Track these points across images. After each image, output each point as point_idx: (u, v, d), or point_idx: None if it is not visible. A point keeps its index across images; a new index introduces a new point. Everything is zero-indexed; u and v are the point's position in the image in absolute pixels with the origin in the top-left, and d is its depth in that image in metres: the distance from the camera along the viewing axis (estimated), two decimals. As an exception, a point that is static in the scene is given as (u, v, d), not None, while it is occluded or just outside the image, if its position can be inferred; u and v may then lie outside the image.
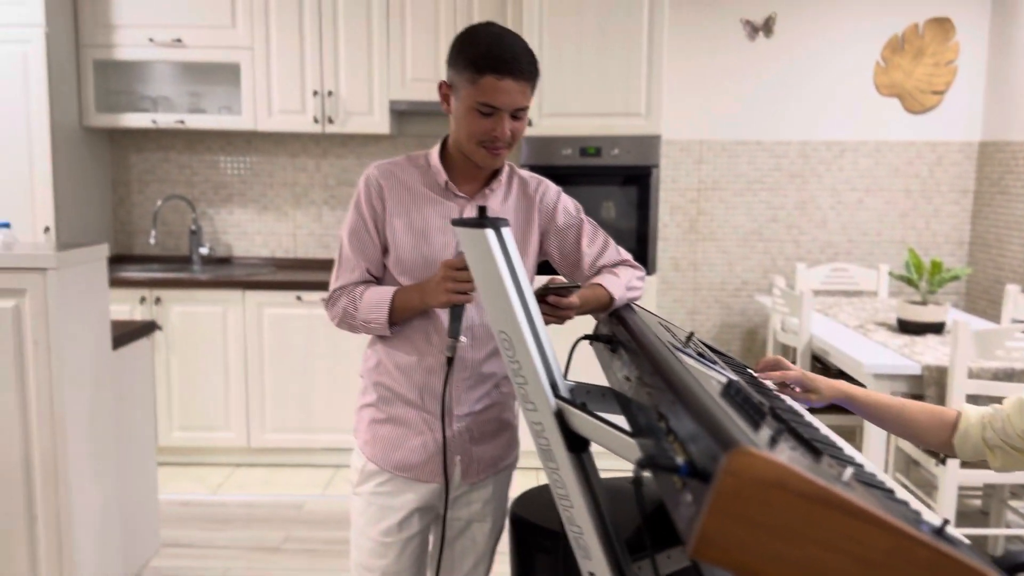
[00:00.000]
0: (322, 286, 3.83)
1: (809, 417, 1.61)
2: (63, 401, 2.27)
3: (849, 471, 0.94)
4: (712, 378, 1.30)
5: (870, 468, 1.29)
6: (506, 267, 1.29)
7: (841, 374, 3.79)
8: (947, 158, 4.40)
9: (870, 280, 4.33)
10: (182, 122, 4.01)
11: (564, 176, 3.95)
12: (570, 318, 1.57)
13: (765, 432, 0.98)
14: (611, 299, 1.69)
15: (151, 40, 3.93)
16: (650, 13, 3.81)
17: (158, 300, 3.82)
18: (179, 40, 3.93)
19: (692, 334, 1.69)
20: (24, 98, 3.71)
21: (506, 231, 1.32)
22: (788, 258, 4.45)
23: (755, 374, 1.71)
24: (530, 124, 3.88)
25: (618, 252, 1.85)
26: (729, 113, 4.36)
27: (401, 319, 1.71)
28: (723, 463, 0.81)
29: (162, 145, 4.36)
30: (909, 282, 3.45)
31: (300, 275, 4.06)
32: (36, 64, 3.68)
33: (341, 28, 3.96)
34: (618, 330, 1.60)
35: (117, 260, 4.33)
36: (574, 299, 1.55)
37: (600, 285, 1.70)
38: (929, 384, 2.91)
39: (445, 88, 1.71)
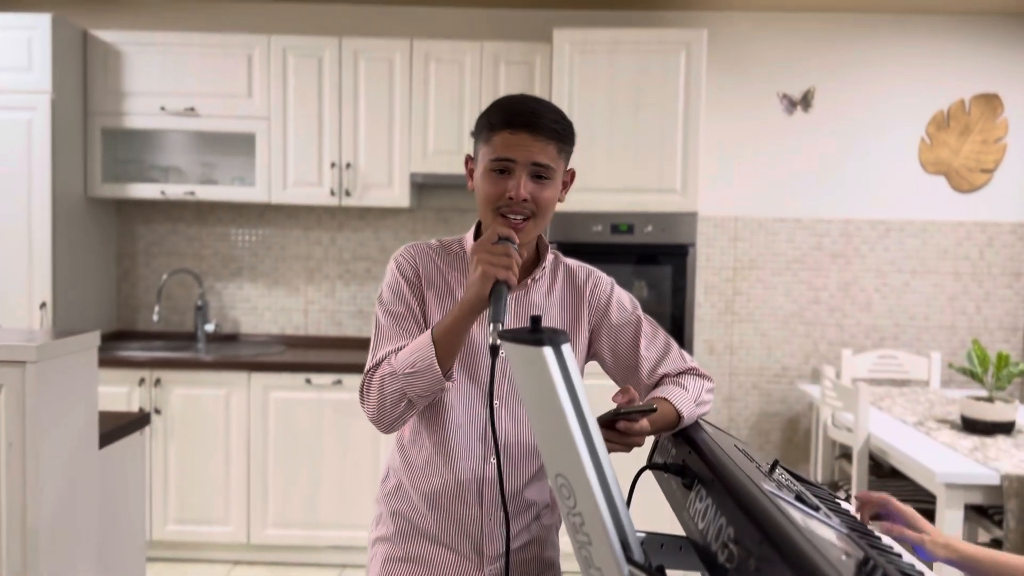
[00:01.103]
0: (333, 368, 3.57)
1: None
2: (39, 512, 1.99)
3: None
4: (828, 540, 1.03)
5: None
6: (568, 397, 1.03)
7: (893, 472, 3.48)
8: (998, 239, 4.14)
9: (920, 368, 4.04)
10: (192, 193, 3.82)
11: (594, 254, 3.71)
12: (639, 446, 1.30)
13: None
14: (679, 418, 1.43)
15: (163, 108, 3.76)
16: (686, 85, 3.62)
17: (158, 382, 3.56)
18: (192, 109, 3.76)
19: (776, 462, 1.41)
20: (26, 167, 3.52)
21: (566, 348, 1.06)
22: (831, 343, 4.16)
23: (854, 512, 1.42)
24: (559, 200, 3.66)
25: (682, 357, 1.58)
26: (766, 189, 4.13)
27: (449, 350, 1.39)
28: None
29: (171, 217, 4.16)
30: (973, 376, 3.16)
31: (310, 355, 3.80)
32: (40, 132, 3.51)
33: (362, 98, 3.79)
34: (691, 460, 1.33)
35: (119, 337, 4.09)
36: (645, 423, 1.29)
37: (666, 400, 1.43)
38: (1010, 496, 2.60)
39: (469, 163, 1.52)
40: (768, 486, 1.19)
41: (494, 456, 1.49)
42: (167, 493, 3.60)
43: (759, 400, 4.18)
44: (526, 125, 1.42)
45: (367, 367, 1.47)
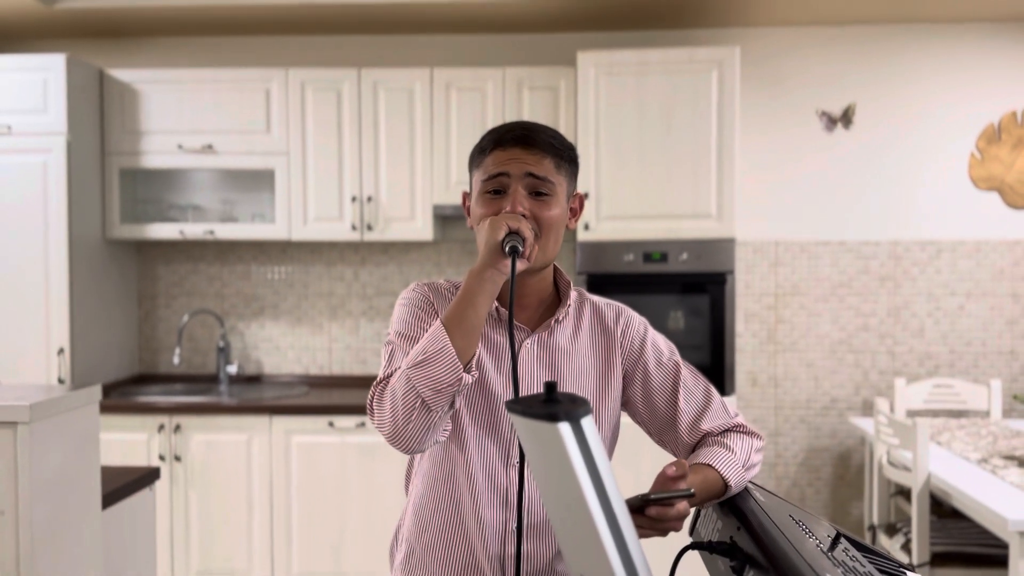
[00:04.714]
0: (356, 410, 3.42)
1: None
2: (32, 582, 1.86)
3: None
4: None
5: None
6: (591, 484, 0.86)
7: (955, 513, 3.24)
8: (1059, 257, 3.89)
9: (979, 398, 3.78)
10: (212, 232, 3.72)
11: (626, 285, 3.54)
12: (677, 531, 1.12)
13: None
14: (725, 487, 1.25)
15: (180, 147, 3.68)
16: (719, 105, 3.46)
17: (178, 428, 3.45)
18: (210, 146, 3.68)
19: (839, 535, 1.23)
20: (42, 211, 3.45)
21: (587, 422, 0.89)
22: (882, 371, 3.92)
23: None
24: (586, 228, 3.51)
25: (725, 410, 1.40)
26: (807, 211, 3.93)
27: (463, 330, 1.22)
28: None
29: (192, 256, 4.07)
30: (1042, 408, 2.92)
31: (334, 395, 3.67)
32: (56, 174, 3.44)
33: (382, 130, 3.67)
34: (741, 537, 1.15)
35: (140, 381, 3.99)
36: (683, 506, 1.11)
37: (710, 467, 1.25)
38: (1093, 544, 2.35)
39: (466, 199, 1.41)
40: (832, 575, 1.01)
41: (517, 523, 1.32)
42: (188, 544, 3.47)
43: (807, 435, 3.95)
44: (517, 139, 1.32)
45: (376, 380, 1.30)
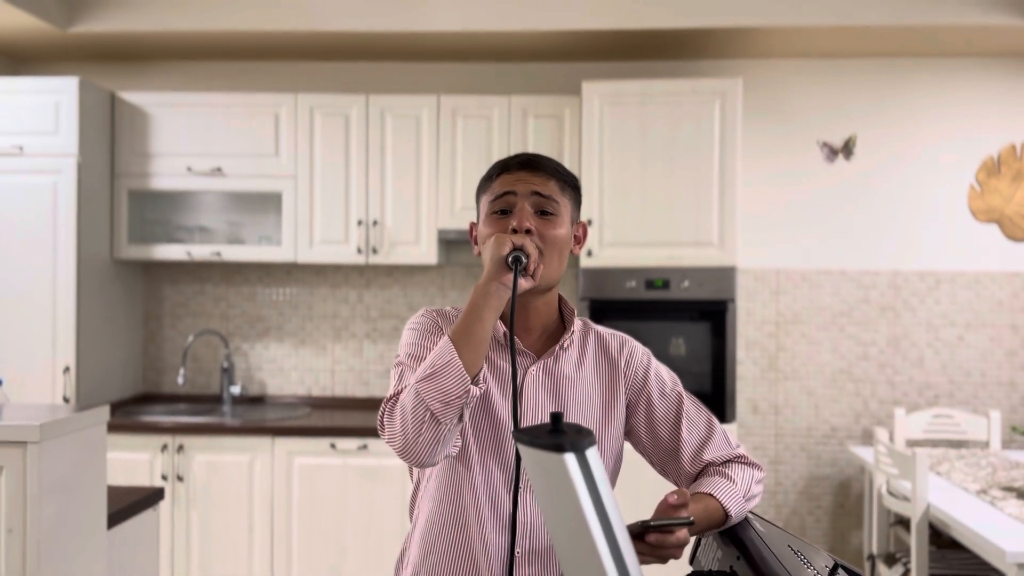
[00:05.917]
0: (358, 432, 3.44)
1: None
2: (38, 601, 1.88)
3: None
4: None
5: None
6: (595, 513, 0.89)
7: (954, 543, 3.24)
8: (1058, 289, 3.91)
9: (979, 428, 3.80)
10: (219, 254, 3.76)
11: (627, 311, 3.57)
12: (677, 558, 1.15)
13: None
14: (726, 516, 1.27)
15: (189, 169, 3.73)
16: (721, 135, 3.50)
17: (181, 448, 3.46)
18: (219, 169, 3.72)
19: (837, 566, 1.25)
20: (51, 231, 3.49)
21: (592, 453, 0.92)
22: (882, 401, 3.94)
23: None
24: (589, 254, 3.54)
25: (727, 441, 1.43)
26: (808, 240, 3.96)
27: (470, 343, 1.25)
28: None
29: (198, 277, 4.11)
30: (1041, 440, 2.93)
31: (336, 417, 3.69)
32: (66, 195, 3.48)
33: (389, 155, 3.72)
34: (740, 567, 1.17)
35: (144, 400, 4.02)
36: (683, 534, 1.14)
37: (711, 496, 1.28)
38: (1091, 577, 2.37)
39: (473, 229, 1.46)
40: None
41: (518, 549, 1.35)
42: (190, 563, 3.48)
43: (807, 463, 3.96)
44: (523, 164, 1.39)
45: (386, 398, 1.33)
